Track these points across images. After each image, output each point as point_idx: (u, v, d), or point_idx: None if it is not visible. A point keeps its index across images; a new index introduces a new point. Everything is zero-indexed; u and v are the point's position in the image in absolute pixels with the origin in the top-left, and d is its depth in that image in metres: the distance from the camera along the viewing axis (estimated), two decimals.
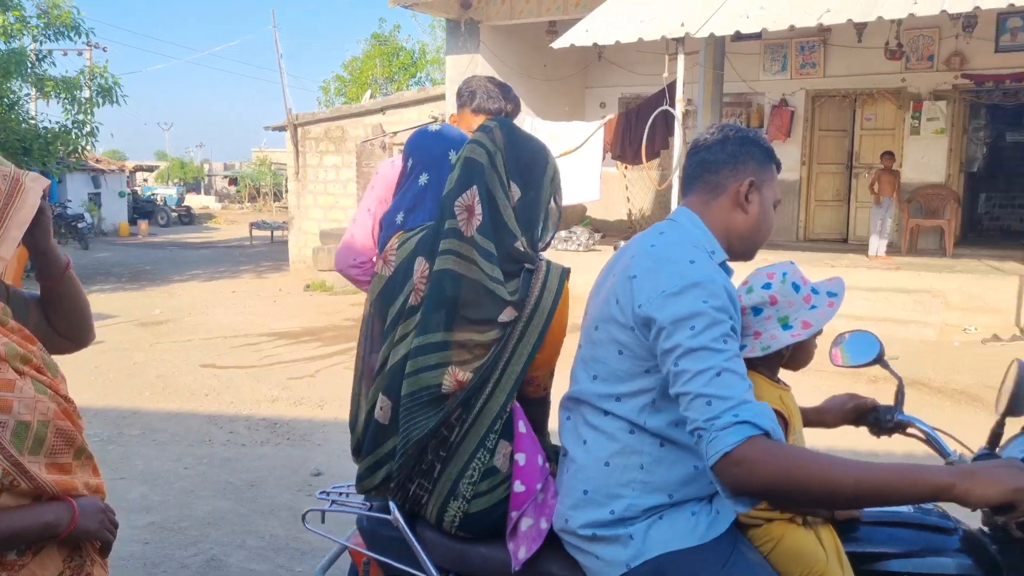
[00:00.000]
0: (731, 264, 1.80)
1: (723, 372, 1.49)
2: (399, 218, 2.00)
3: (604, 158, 11.56)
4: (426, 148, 2.04)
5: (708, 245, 1.72)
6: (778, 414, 1.75)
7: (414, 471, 1.77)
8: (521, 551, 1.72)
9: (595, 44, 10.33)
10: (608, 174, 11.80)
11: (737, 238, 1.77)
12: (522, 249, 1.83)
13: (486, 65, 12.66)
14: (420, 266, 1.84)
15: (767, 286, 1.78)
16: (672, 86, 10.09)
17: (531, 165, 1.88)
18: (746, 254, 1.81)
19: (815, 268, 10.69)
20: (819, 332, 1.79)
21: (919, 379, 7.49)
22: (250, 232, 24.88)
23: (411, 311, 1.82)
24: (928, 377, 7.61)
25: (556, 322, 1.84)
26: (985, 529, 1.80)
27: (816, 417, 2.04)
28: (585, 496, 1.69)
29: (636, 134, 10.79)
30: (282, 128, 17.30)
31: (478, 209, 1.78)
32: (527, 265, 1.83)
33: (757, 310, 1.78)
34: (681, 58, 9.53)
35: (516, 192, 1.84)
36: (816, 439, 1.96)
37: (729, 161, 1.77)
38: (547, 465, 1.82)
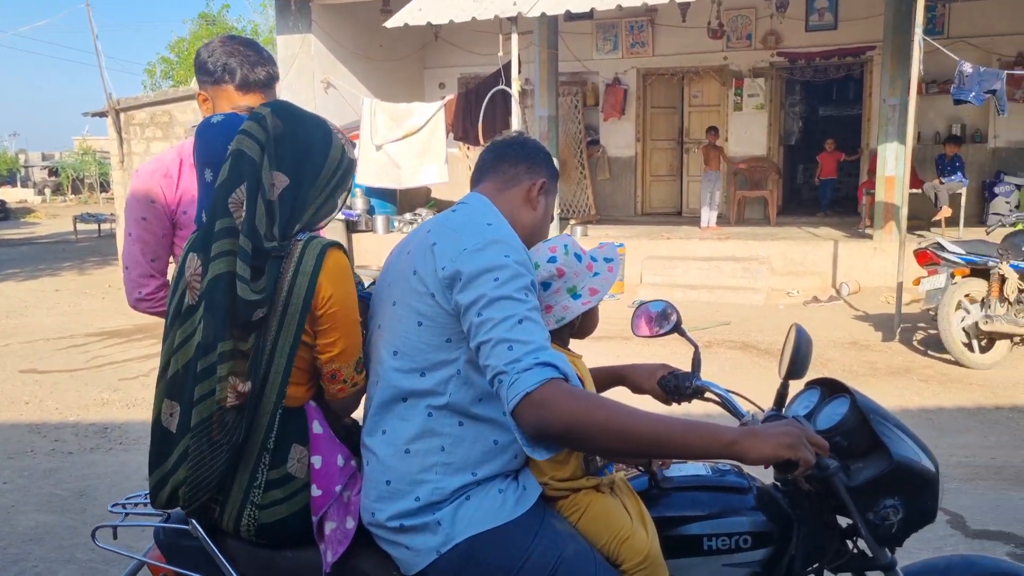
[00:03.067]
0: None
1: (524, 320, 1.52)
2: (203, 218, 1.87)
3: (447, 139, 11.52)
4: (207, 142, 1.89)
5: (497, 216, 1.76)
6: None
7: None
8: (329, 554, 1.68)
9: (429, 23, 10.24)
10: (452, 155, 11.78)
11: (521, 231, 1.80)
12: (273, 243, 1.71)
13: (319, 45, 12.32)
14: (192, 263, 1.72)
15: (552, 259, 1.81)
16: (508, 66, 10.16)
17: (308, 152, 1.77)
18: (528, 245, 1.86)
19: (653, 241, 11.13)
20: (603, 297, 1.84)
21: (749, 342, 7.94)
22: (74, 226, 23.22)
23: (188, 312, 1.71)
24: (756, 340, 8.07)
25: (340, 307, 1.73)
26: (778, 485, 1.92)
27: (619, 380, 2.11)
28: (388, 487, 1.66)
29: (476, 114, 10.81)
30: (103, 114, 16.19)
31: (246, 206, 1.69)
32: (274, 254, 1.71)
33: (546, 284, 1.81)
34: (515, 37, 9.61)
35: (283, 181, 1.74)
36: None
37: (527, 160, 1.87)
38: (352, 463, 1.77)
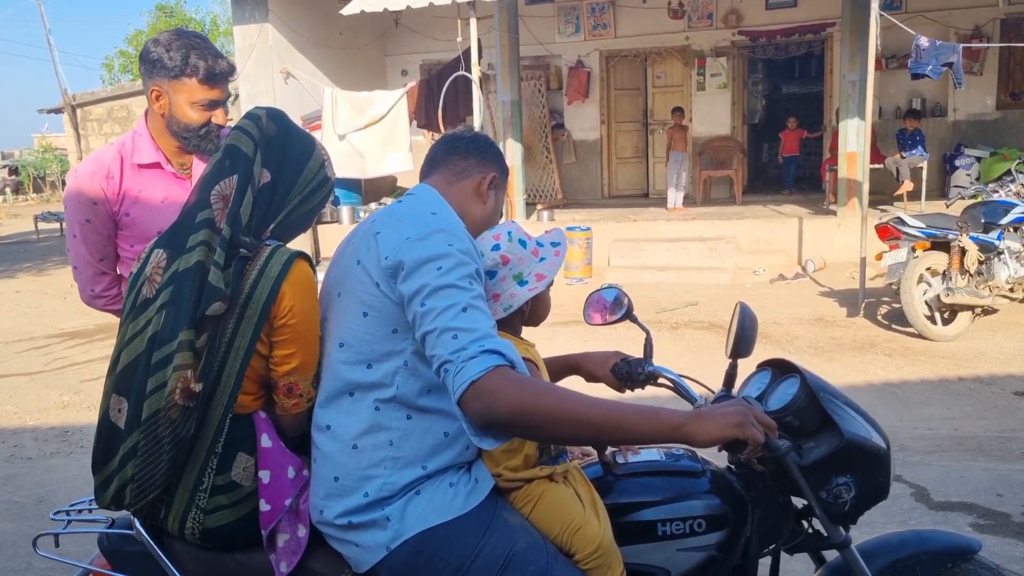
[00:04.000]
0: None
1: (469, 308, 1.50)
2: None
3: (411, 126, 11.42)
4: None
5: (440, 206, 1.75)
6: (529, 361, 1.77)
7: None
8: (283, 565, 1.65)
9: (386, 10, 10.12)
10: (416, 143, 11.68)
11: (470, 224, 1.79)
12: (247, 239, 1.70)
13: (277, 35, 12.13)
14: (157, 257, 1.70)
15: (496, 247, 1.79)
16: (469, 52, 10.07)
17: (291, 155, 1.79)
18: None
19: (620, 224, 11.14)
20: (552, 282, 1.82)
21: (716, 322, 7.97)
22: (35, 225, 22.79)
23: (143, 305, 1.68)
24: (723, 320, 8.10)
25: (300, 319, 1.69)
26: (732, 467, 1.91)
27: (572, 369, 2.10)
28: (336, 483, 1.63)
29: (438, 101, 10.72)
30: (59, 111, 15.93)
31: (234, 196, 1.70)
32: (243, 251, 1.69)
33: (492, 273, 1.79)
34: (473, 22, 9.52)
35: (266, 176, 1.75)
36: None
37: (478, 153, 1.87)
38: (305, 472, 1.73)
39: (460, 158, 1.86)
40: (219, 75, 2.32)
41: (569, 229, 10.26)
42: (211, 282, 1.62)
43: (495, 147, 1.94)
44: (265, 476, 1.67)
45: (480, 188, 1.86)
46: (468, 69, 9.80)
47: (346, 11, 10.16)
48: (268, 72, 12.17)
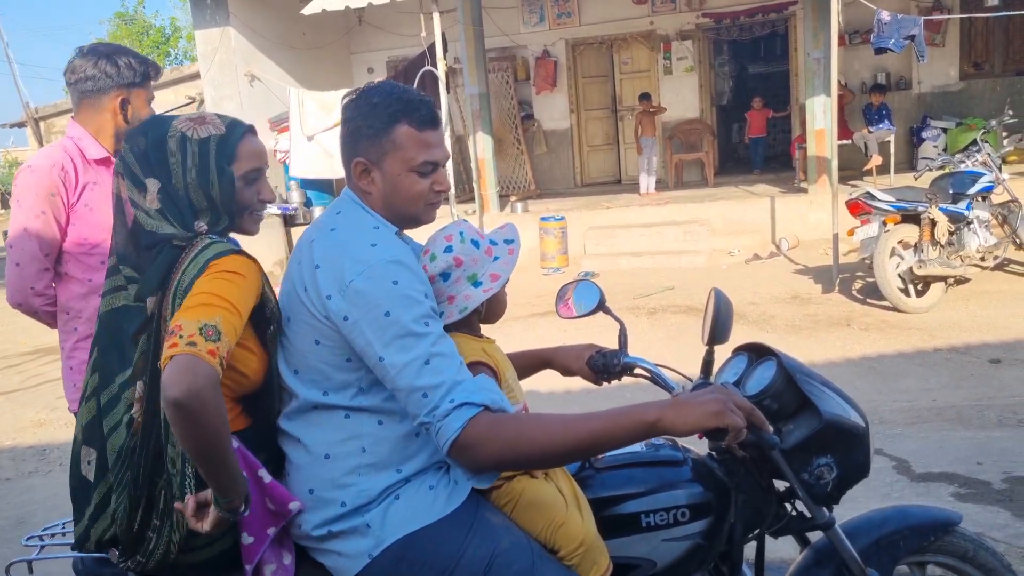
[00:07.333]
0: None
1: (431, 359, 1.48)
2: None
3: None
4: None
5: (373, 221, 1.68)
6: (484, 365, 1.75)
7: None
8: None
9: (348, 8, 10.04)
10: None
11: (384, 212, 1.69)
12: (171, 230, 1.63)
13: (239, 37, 11.98)
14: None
15: (449, 249, 1.75)
16: (433, 46, 10.01)
17: (165, 155, 1.67)
18: (410, 222, 1.74)
19: (594, 211, 11.13)
20: (507, 281, 1.79)
21: (693, 305, 7.98)
22: (3, 239, 22.51)
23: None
24: (701, 302, 8.04)
25: (215, 291, 1.53)
26: (713, 454, 1.91)
27: (546, 363, 2.08)
28: (312, 495, 1.60)
29: None
30: (22, 124, 15.67)
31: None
32: (175, 241, 1.62)
33: (446, 275, 1.75)
34: (436, 16, 9.46)
35: (155, 185, 1.66)
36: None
37: (346, 136, 1.70)
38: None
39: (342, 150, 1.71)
40: (159, 70, 2.61)
41: (543, 219, 10.24)
42: (127, 304, 1.60)
43: (354, 119, 1.67)
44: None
45: (358, 182, 1.68)
46: (434, 64, 9.74)
47: (307, 11, 10.06)
48: (232, 76, 12.02)
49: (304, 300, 1.59)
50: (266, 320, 1.66)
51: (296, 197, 12.30)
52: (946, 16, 11.44)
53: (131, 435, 1.58)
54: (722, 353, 1.94)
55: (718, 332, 1.80)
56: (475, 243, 1.78)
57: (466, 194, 12.45)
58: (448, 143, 10.00)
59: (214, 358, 1.41)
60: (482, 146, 11.10)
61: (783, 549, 2.56)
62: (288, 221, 12.09)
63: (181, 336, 1.41)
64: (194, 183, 1.66)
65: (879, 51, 8.58)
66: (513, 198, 12.49)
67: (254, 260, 1.65)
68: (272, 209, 11.91)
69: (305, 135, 10.99)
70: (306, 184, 12.14)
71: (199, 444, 1.41)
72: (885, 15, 8.16)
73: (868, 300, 7.52)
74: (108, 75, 2.48)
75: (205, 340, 1.41)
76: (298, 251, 1.68)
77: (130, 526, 1.58)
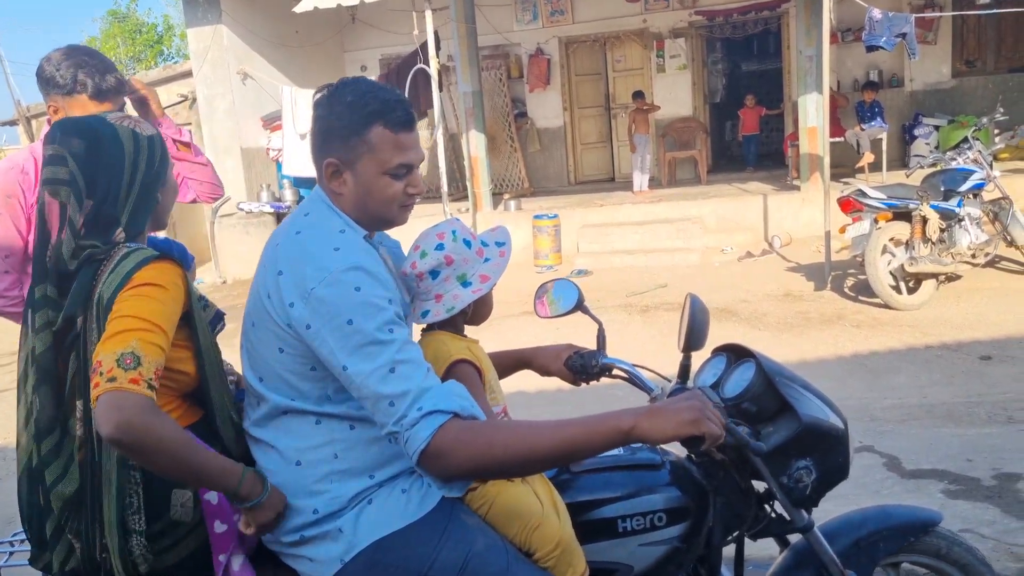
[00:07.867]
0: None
1: (396, 366, 1.44)
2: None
3: None
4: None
5: (341, 224, 1.63)
6: (469, 363, 1.74)
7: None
8: None
9: (340, 5, 10.01)
10: None
11: (355, 214, 1.64)
12: (88, 242, 1.61)
13: (232, 36, 11.95)
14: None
15: (440, 247, 1.73)
16: (426, 44, 9.99)
17: (121, 152, 1.66)
18: (383, 224, 1.69)
19: (587, 209, 11.12)
20: (496, 283, 1.78)
21: None
22: None
23: (22, 380, 1.71)
24: None
25: (135, 312, 1.51)
26: (693, 457, 1.89)
27: (524, 364, 2.06)
28: None
29: None
30: (14, 123, 15.57)
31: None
32: (91, 251, 1.61)
33: (435, 273, 1.74)
34: (429, 14, 9.43)
35: (88, 204, 1.64)
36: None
37: (318, 135, 1.65)
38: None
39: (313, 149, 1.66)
40: (107, 91, 2.41)
41: (536, 217, 10.23)
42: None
43: (326, 117, 1.62)
44: (213, 497, 1.60)
45: (329, 183, 1.63)
46: (427, 62, 9.71)
47: (299, 8, 10.03)
48: (225, 74, 11.99)
49: (267, 307, 1.56)
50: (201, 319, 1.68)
51: (289, 195, 12.29)
52: (938, 14, 11.43)
53: (77, 480, 1.58)
54: (701, 357, 1.93)
55: (694, 339, 1.78)
56: (467, 243, 1.76)
57: (459, 192, 12.42)
58: (441, 141, 10.01)
59: (138, 384, 1.42)
60: (475, 144, 11.08)
61: (765, 547, 2.56)
62: (280, 220, 12.08)
63: (101, 373, 1.43)
64: (145, 181, 1.67)
65: (871, 49, 8.59)
66: (506, 196, 12.47)
67: (174, 262, 1.62)
68: (265, 207, 11.91)
69: (298, 133, 10.96)
70: (299, 182, 12.12)
71: (159, 467, 1.44)
72: (876, 13, 8.15)
73: (860, 297, 7.52)
74: (41, 79, 2.44)
75: (124, 370, 1.42)
76: (264, 254, 1.64)
77: (91, 557, 1.59)
